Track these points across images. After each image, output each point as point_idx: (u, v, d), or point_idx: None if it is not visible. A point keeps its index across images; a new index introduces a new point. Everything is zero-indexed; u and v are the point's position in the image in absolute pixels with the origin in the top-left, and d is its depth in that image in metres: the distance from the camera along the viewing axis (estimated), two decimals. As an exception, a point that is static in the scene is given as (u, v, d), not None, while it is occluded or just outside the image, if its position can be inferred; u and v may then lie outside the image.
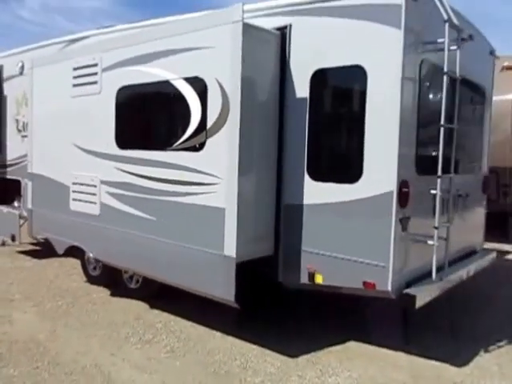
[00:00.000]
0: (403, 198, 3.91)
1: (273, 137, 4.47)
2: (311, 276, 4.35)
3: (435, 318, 5.18)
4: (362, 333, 4.77)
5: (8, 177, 8.28)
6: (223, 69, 4.07)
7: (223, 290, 4.13)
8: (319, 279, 4.31)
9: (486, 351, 4.49)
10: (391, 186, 3.84)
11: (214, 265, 4.21)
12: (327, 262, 4.24)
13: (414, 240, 4.15)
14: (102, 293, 6.03)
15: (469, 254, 5.41)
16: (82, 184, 5.63)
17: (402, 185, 3.90)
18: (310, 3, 4.28)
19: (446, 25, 3.98)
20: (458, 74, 4.23)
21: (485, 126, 5.76)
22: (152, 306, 5.50)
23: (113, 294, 5.93)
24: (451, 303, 5.47)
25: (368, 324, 5.09)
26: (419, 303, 3.91)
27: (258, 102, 4.32)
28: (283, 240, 4.53)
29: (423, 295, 3.98)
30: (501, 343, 4.68)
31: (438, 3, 4.02)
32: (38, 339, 4.60)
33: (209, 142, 4.23)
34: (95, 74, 5.32)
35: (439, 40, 4.02)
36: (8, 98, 8.27)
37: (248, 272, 4.25)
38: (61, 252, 6.17)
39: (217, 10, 4.20)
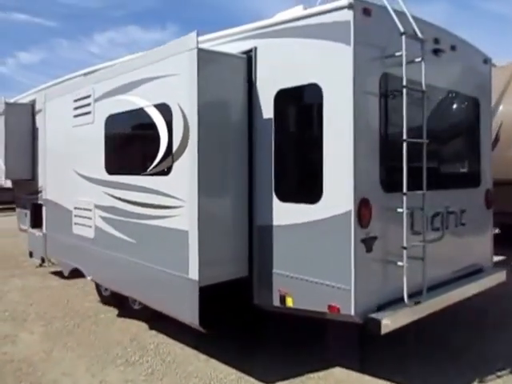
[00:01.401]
0: (364, 217, 3.77)
1: (242, 159, 4.48)
2: (283, 299, 4.26)
3: (426, 341, 4.91)
4: (346, 358, 4.59)
5: (39, 202, 8.81)
6: (183, 94, 4.16)
7: (189, 312, 4.14)
8: (290, 302, 4.22)
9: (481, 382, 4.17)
10: (349, 205, 3.71)
11: (180, 287, 4.25)
12: (296, 284, 4.14)
13: (385, 261, 3.97)
14: (110, 313, 6.21)
15: (471, 274, 5.09)
16: (81, 208, 5.90)
17: (362, 203, 3.76)
18: (272, 26, 4.32)
19: (403, 37, 3.85)
20: (423, 87, 4.04)
21: (482, 137, 5.43)
22: (151, 327, 5.60)
23: (119, 315, 6.10)
24: (443, 323, 5.17)
25: (353, 349, 4.87)
26: (385, 329, 3.69)
27: (222, 125, 4.36)
28: (256, 262, 4.49)
29: (391, 320, 3.76)
30: (500, 373, 4.32)
31: (395, 16, 3.90)
32: (32, 360, 4.79)
33: (175, 165, 4.32)
34: (89, 104, 5.61)
35: (397, 53, 3.89)
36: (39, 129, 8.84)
37: (222, 294, 4.25)
38: (66, 274, 6.45)
39: (177, 39, 4.32)
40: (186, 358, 4.75)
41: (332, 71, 3.81)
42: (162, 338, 5.29)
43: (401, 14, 4.02)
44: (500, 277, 5.27)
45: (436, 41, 4.53)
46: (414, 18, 4.11)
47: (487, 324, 5.58)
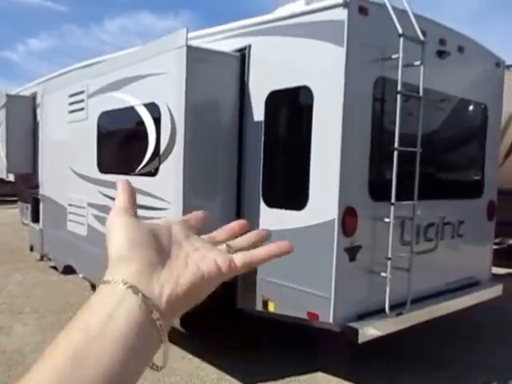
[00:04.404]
0: (348, 226, 3.66)
1: (231, 161, 4.38)
2: (265, 304, 4.19)
3: (415, 353, 4.79)
4: (331, 365, 4.50)
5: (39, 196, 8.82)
6: (171, 93, 4.08)
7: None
8: (271, 307, 4.14)
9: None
10: (333, 213, 3.61)
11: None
12: (278, 290, 4.06)
13: (369, 271, 3.86)
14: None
15: (467, 286, 4.94)
16: (75, 206, 5.87)
17: (347, 212, 3.65)
18: (266, 23, 4.18)
19: (401, 39, 3.68)
20: (421, 93, 3.89)
21: (488, 146, 5.19)
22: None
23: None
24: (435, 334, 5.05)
25: (339, 357, 4.78)
26: (362, 338, 3.61)
27: (211, 126, 4.27)
28: (242, 267, 4.40)
29: (368, 330, 3.68)
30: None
31: (394, 16, 3.72)
32: (23, 350, 4.83)
33: (161, 166, 4.25)
34: (83, 100, 5.55)
35: (394, 56, 3.74)
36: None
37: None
38: (60, 270, 6.43)
39: (167, 36, 4.23)
40: (169, 356, 4.70)
41: (323, 74, 3.69)
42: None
43: (402, 13, 3.83)
44: (496, 290, 5.11)
45: (442, 42, 4.31)
46: (418, 17, 3.91)
47: (481, 336, 5.43)
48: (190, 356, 4.73)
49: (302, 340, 5.05)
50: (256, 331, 5.28)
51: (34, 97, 7.94)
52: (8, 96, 7.90)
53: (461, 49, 4.57)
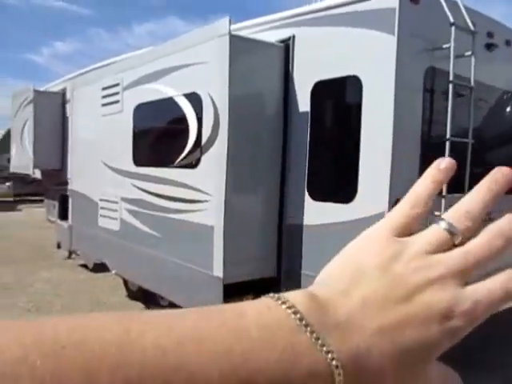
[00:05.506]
0: (399, 219, 3.53)
1: (275, 154, 4.28)
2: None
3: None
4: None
5: (67, 193, 8.80)
6: (214, 83, 3.99)
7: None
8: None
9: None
10: (383, 206, 3.48)
11: (204, 285, 4.09)
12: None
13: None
14: (137, 308, 6.07)
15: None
16: (107, 200, 5.80)
17: (396, 204, 3.52)
18: (311, 13, 4.09)
19: (453, 28, 3.56)
20: (472, 83, 3.77)
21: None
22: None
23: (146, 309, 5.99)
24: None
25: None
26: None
27: (255, 117, 4.17)
28: (284, 262, 4.30)
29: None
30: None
31: (445, 5, 3.62)
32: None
33: (203, 158, 4.16)
34: (118, 93, 5.49)
35: (445, 45, 3.62)
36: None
37: (247, 293, 4.08)
38: (90, 267, 6.36)
39: (208, 25, 4.15)
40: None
41: (373, 63, 3.57)
42: None
43: (452, 4, 3.73)
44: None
45: (489, 35, 4.20)
46: (466, 8, 3.81)
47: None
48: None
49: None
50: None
51: (63, 93, 7.94)
52: (36, 92, 7.90)
53: (508, 42, 4.47)
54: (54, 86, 8.69)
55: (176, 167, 4.50)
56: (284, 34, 4.29)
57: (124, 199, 5.40)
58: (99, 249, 6.06)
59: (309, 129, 4.09)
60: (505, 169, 0.41)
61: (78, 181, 6.71)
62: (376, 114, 3.56)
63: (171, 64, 4.57)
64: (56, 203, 8.51)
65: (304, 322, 0.34)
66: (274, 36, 4.35)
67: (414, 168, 3.69)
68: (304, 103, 4.13)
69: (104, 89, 5.79)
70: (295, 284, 4.15)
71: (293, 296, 0.36)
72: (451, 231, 0.39)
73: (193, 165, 4.28)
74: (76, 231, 6.80)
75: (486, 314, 0.37)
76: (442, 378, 0.39)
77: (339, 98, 4.15)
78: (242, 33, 4.40)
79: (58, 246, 8.28)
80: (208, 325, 0.33)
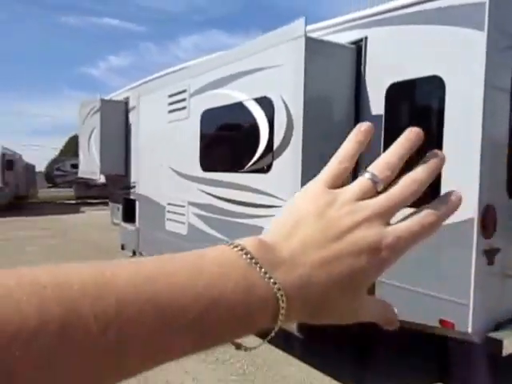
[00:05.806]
0: (487, 226, 3.34)
1: (346, 157, 4.17)
2: (386, 309, 3.92)
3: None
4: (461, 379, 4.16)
5: (131, 197, 9.02)
6: (287, 86, 3.94)
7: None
8: (394, 313, 3.87)
9: None
10: (472, 212, 3.30)
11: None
12: (403, 295, 3.78)
13: (505, 275, 3.52)
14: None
15: None
16: (174, 205, 5.86)
17: (486, 211, 3.34)
18: (385, 13, 3.95)
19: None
20: None
21: None
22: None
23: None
24: None
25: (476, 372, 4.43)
26: (508, 350, 3.28)
27: (328, 121, 4.08)
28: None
29: (514, 342, 3.34)
30: None
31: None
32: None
33: (275, 163, 4.10)
34: (184, 99, 5.54)
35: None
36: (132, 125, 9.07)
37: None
38: (157, 270, 6.46)
39: (282, 27, 4.09)
40: (276, 361, 4.60)
41: (458, 62, 3.39)
42: (249, 340, 5.12)
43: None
44: None
45: None
46: None
47: None
48: (296, 361, 4.58)
49: (422, 350, 4.74)
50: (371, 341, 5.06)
51: (126, 102, 8.17)
52: (102, 101, 8.17)
53: None
54: (118, 95, 8.95)
55: (246, 172, 4.48)
56: (356, 35, 4.17)
57: (191, 203, 5.44)
58: (166, 252, 6.11)
59: (382, 133, 3.94)
60: (415, 128, 0.49)
61: (144, 185, 6.83)
62: (461, 115, 3.38)
63: (241, 69, 4.55)
64: (120, 206, 8.75)
65: (254, 261, 0.40)
66: (344, 38, 4.25)
67: (502, 172, 3.50)
68: (377, 106, 4.00)
69: (170, 96, 5.87)
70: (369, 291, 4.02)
71: (244, 241, 0.43)
72: (374, 180, 0.46)
73: (264, 169, 4.24)
74: (143, 234, 6.93)
75: (407, 246, 0.45)
76: (378, 306, 0.49)
77: (418, 101, 3.99)
78: (313, 35, 4.32)
79: (122, 248, 8.49)
80: (173, 264, 0.39)
